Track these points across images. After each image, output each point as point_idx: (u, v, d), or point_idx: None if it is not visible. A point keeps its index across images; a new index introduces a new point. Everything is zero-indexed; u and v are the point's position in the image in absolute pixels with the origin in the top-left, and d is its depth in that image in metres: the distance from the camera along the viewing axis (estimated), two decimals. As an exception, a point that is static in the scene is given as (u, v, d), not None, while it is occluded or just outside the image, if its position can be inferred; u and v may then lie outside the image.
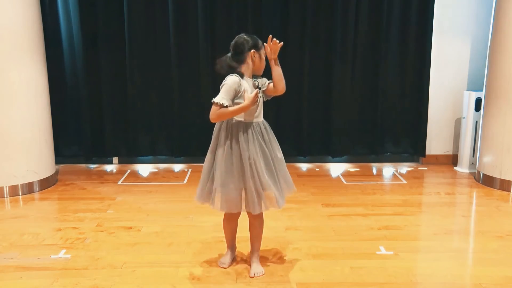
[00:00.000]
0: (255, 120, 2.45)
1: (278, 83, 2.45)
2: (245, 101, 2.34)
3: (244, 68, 2.44)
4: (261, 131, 2.46)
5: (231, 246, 2.77)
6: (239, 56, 2.43)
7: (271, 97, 2.57)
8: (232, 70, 2.43)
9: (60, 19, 4.64)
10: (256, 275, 2.59)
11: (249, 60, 2.43)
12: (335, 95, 4.81)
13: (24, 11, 3.85)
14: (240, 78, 2.40)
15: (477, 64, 4.80)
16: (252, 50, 2.42)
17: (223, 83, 2.40)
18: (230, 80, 2.37)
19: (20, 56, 3.86)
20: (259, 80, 2.53)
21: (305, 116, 4.84)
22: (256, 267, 2.63)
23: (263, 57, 2.47)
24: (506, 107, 4.07)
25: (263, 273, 2.61)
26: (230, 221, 2.67)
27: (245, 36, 2.45)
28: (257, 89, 2.43)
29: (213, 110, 2.35)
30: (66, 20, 4.64)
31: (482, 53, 4.71)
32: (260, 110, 2.48)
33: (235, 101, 2.39)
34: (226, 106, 2.33)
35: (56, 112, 4.49)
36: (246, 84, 2.41)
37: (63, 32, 4.68)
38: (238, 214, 2.60)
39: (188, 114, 4.84)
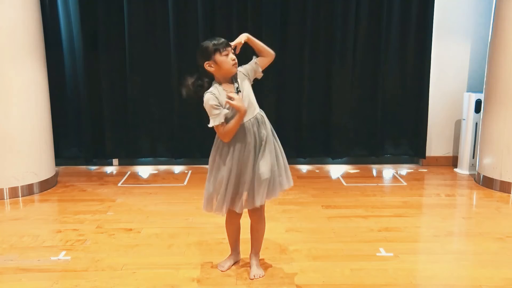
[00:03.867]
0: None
1: (263, 53, 2.43)
2: (237, 110, 2.30)
3: (215, 78, 2.41)
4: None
5: (234, 248, 2.75)
6: (202, 71, 2.40)
7: (262, 70, 2.49)
8: (201, 88, 2.39)
9: (60, 20, 4.65)
10: (256, 277, 2.58)
11: (211, 70, 2.37)
12: (335, 97, 4.82)
13: (24, 13, 3.85)
14: (215, 92, 2.35)
15: (477, 65, 4.81)
16: (206, 63, 2.36)
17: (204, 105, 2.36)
18: (205, 99, 2.34)
19: (20, 57, 3.87)
20: (243, 69, 2.46)
21: (305, 117, 4.84)
22: (256, 269, 2.62)
23: (225, 59, 2.34)
24: (506, 109, 4.07)
25: (263, 275, 2.61)
26: (231, 222, 2.65)
27: (198, 48, 2.39)
28: (237, 91, 2.38)
29: (219, 132, 2.36)
30: (66, 22, 4.65)
31: (482, 54, 4.72)
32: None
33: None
34: (223, 123, 2.32)
35: (56, 113, 4.49)
36: (223, 96, 2.34)
37: (63, 34, 4.68)
38: (239, 214, 2.58)
39: (188, 116, 4.84)
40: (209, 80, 2.43)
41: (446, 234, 3.24)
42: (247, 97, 2.41)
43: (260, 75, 2.52)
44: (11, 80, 3.84)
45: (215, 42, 2.35)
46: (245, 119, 2.37)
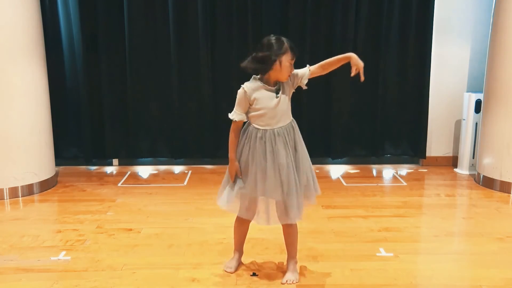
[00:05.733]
0: (270, 127, 2.36)
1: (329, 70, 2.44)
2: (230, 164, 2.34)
3: (265, 74, 2.33)
4: (272, 137, 2.36)
5: (239, 249, 2.71)
6: (257, 60, 2.29)
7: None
8: (254, 71, 2.35)
9: (60, 21, 4.65)
10: (288, 282, 2.51)
11: (273, 67, 2.28)
12: (335, 97, 4.82)
13: (24, 13, 3.85)
14: (248, 89, 2.33)
15: (477, 65, 4.81)
16: (271, 56, 2.25)
17: None
18: (238, 94, 2.34)
19: (20, 57, 3.87)
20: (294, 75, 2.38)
21: (305, 117, 4.83)
22: (290, 274, 2.54)
23: (288, 66, 2.30)
24: (506, 109, 4.07)
25: (297, 281, 2.53)
26: (242, 223, 2.60)
27: (272, 39, 2.29)
28: (276, 94, 2.34)
29: (231, 127, 2.38)
30: (66, 22, 4.65)
31: (482, 54, 4.71)
32: (277, 116, 2.35)
33: (251, 113, 2.36)
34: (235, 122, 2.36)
35: (56, 113, 4.48)
36: (260, 93, 2.32)
37: (63, 34, 4.68)
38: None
39: (188, 116, 4.85)
40: (255, 68, 2.33)
41: (446, 234, 3.24)
42: (284, 103, 2.36)
43: (304, 86, 2.46)
44: (11, 80, 3.83)
45: (292, 45, 2.31)
46: (267, 128, 2.35)
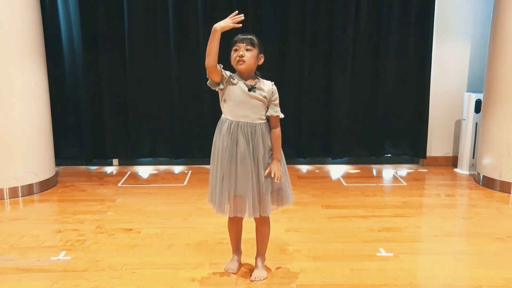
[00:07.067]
0: (237, 119, 2.41)
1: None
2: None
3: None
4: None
5: (236, 249, 2.71)
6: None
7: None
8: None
9: (60, 20, 4.65)
10: (256, 279, 2.56)
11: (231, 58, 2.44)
12: (335, 97, 4.82)
13: (24, 13, 3.85)
14: (230, 73, 2.42)
15: (477, 65, 4.81)
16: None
17: None
18: None
19: (21, 57, 3.86)
20: (262, 83, 2.43)
21: (305, 118, 4.84)
22: (259, 272, 2.59)
23: (232, 54, 2.40)
24: (505, 109, 4.07)
25: (265, 277, 2.58)
26: (234, 222, 2.61)
27: None
28: (250, 88, 2.38)
29: None
30: (66, 22, 4.65)
31: (482, 54, 4.72)
32: (241, 108, 2.40)
33: (223, 98, 2.46)
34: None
35: (56, 113, 4.48)
36: (234, 80, 2.40)
37: (63, 34, 4.69)
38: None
39: (188, 116, 4.85)
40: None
41: (446, 234, 3.24)
42: (247, 101, 2.38)
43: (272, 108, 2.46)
44: (11, 80, 3.83)
45: (239, 36, 2.44)
46: (231, 118, 2.41)
